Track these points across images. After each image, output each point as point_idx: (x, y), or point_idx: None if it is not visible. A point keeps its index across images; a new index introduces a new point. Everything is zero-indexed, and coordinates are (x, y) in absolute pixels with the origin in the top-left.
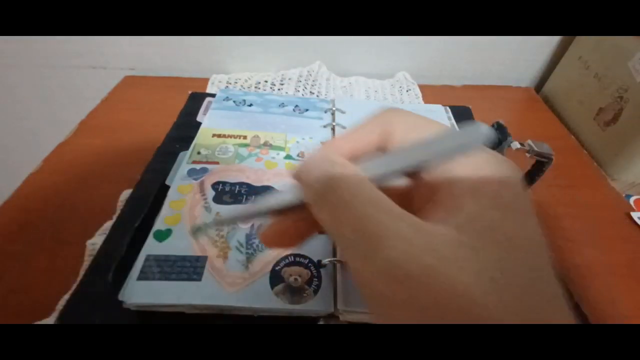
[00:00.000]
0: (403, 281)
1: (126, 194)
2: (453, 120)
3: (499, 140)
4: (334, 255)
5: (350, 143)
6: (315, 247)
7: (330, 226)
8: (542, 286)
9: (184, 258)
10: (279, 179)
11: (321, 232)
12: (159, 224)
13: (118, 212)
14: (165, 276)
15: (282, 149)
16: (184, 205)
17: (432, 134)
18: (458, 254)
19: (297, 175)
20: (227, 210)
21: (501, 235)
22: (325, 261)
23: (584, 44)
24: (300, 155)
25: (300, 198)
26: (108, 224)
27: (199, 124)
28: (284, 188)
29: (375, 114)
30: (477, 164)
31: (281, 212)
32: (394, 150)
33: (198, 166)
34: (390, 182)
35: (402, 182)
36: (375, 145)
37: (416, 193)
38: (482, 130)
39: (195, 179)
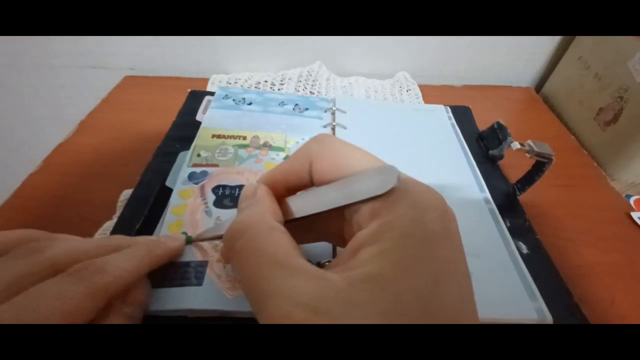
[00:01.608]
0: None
1: (126, 194)
2: (453, 120)
3: (499, 141)
4: (334, 256)
5: (281, 174)
6: (314, 250)
7: (236, 274)
8: (437, 312)
9: (185, 264)
10: None
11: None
12: (163, 231)
13: (118, 212)
14: (167, 282)
15: (281, 149)
16: (185, 210)
17: (352, 176)
18: (338, 308)
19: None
20: (228, 213)
21: (391, 286)
22: (325, 262)
23: (584, 44)
24: None
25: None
26: (108, 224)
27: (199, 123)
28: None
29: (302, 144)
30: (388, 205)
31: None
32: (319, 188)
33: (198, 169)
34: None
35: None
36: (302, 175)
37: (345, 232)
38: (396, 174)
39: (196, 183)
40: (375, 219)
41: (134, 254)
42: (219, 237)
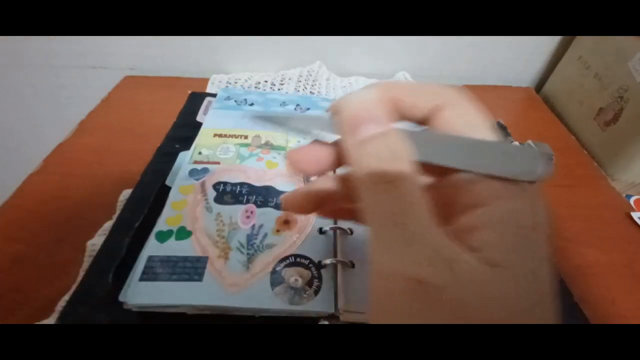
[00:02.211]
0: (428, 303)
1: (126, 194)
2: None
3: None
4: (335, 255)
5: (401, 98)
6: (316, 248)
7: (373, 217)
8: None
9: (185, 259)
10: (280, 179)
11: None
12: (161, 225)
13: (118, 212)
14: (167, 277)
15: (283, 148)
16: (185, 205)
17: (507, 143)
18: (489, 292)
19: (352, 145)
20: (228, 210)
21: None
22: (326, 262)
23: (584, 44)
24: None
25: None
26: (108, 224)
27: (199, 124)
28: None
29: (434, 85)
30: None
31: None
32: (449, 137)
33: (199, 166)
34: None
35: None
36: (417, 112)
37: (442, 191)
38: (552, 162)
39: (197, 179)
40: (500, 200)
41: None
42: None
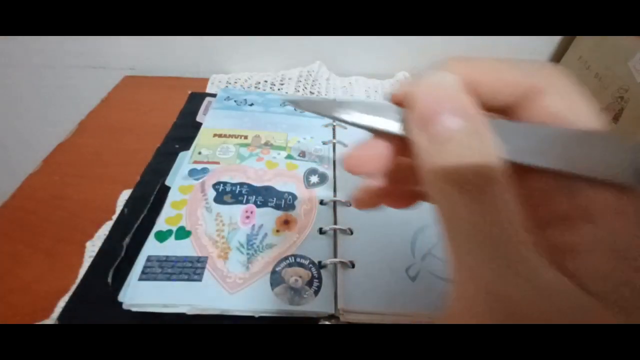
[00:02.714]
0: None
1: (126, 194)
2: None
3: None
4: (335, 256)
5: (490, 83)
6: (315, 248)
7: (453, 226)
8: None
9: (184, 259)
10: (280, 178)
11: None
12: (160, 225)
13: (118, 212)
14: (166, 277)
15: (283, 148)
16: (185, 205)
17: (620, 137)
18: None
19: (429, 142)
20: (228, 210)
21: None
22: (326, 262)
23: (584, 44)
24: (301, 155)
25: (409, 136)
26: (108, 224)
27: (199, 124)
28: (388, 108)
29: (527, 64)
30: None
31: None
32: (541, 129)
33: (199, 166)
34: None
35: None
36: (509, 98)
37: (533, 194)
38: None
39: (197, 179)
40: (614, 216)
41: None
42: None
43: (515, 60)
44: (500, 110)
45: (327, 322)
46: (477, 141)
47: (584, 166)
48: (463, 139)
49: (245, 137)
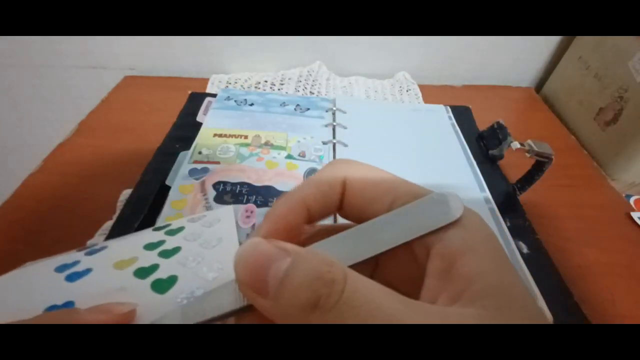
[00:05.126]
0: None
1: (126, 194)
2: (453, 120)
3: (499, 140)
4: None
5: (300, 202)
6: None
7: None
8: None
9: None
10: (280, 178)
11: None
12: (160, 224)
13: (118, 212)
14: None
15: (283, 148)
16: (185, 205)
17: (408, 206)
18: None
19: (252, 283)
20: (227, 210)
21: (508, 292)
22: None
23: (584, 44)
24: (302, 154)
25: (244, 304)
26: (108, 224)
27: (199, 124)
28: (218, 288)
29: (326, 166)
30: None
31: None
32: (361, 226)
33: (199, 166)
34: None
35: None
36: (331, 202)
37: (390, 260)
38: (459, 199)
39: (197, 179)
40: (455, 245)
41: None
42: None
43: (319, 173)
44: (328, 214)
45: None
46: (307, 267)
47: (423, 226)
48: (295, 274)
49: (246, 137)
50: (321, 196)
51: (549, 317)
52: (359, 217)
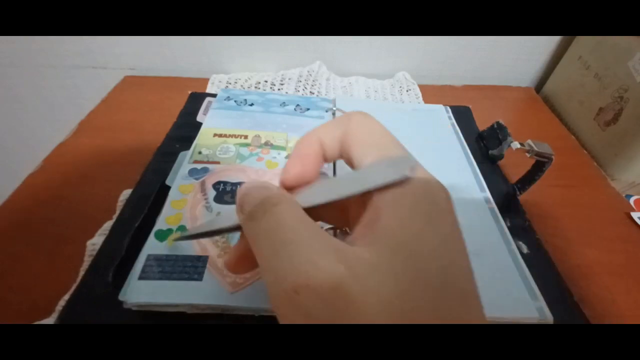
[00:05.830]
0: (303, 310)
1: (126, 194)
2: (453, 120)
3: (499, 140)
4: None
5: (317, 139)
6: None
7: (255, 247)
8: (452, 292)
9: (185, 258)
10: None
11: None
12: (161, 224)
13: (118, 212)
14: (166, 276)
15: (283, 148)
16: (185, 204)
17: (366, 167)
18: (366, 276)
19: (237, 200)
20: (227, 210)
21: (414, 248)
22: None
23: (584, 44)
24: None
25: (238, 222)
26: (108, 224)
27: (199, 124)
28: (229, 213)
29: (345, 114)
30: (401, 186)
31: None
32: (329, 180)
33: (199, 166)
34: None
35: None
36: (334, 143)
37: (350, 211)
38: (407, 166)
39: (197, 179)
40: (386, 200)
41: None
42: (217, 232)
43: (338, 118)
44: (333, 155)
45: None
46: (264, 190)
47: (366, 184)
48: (254, 193)
49: (245, 137)
50: (331, 141)
51: (548, 317)
52: (352, 167)
